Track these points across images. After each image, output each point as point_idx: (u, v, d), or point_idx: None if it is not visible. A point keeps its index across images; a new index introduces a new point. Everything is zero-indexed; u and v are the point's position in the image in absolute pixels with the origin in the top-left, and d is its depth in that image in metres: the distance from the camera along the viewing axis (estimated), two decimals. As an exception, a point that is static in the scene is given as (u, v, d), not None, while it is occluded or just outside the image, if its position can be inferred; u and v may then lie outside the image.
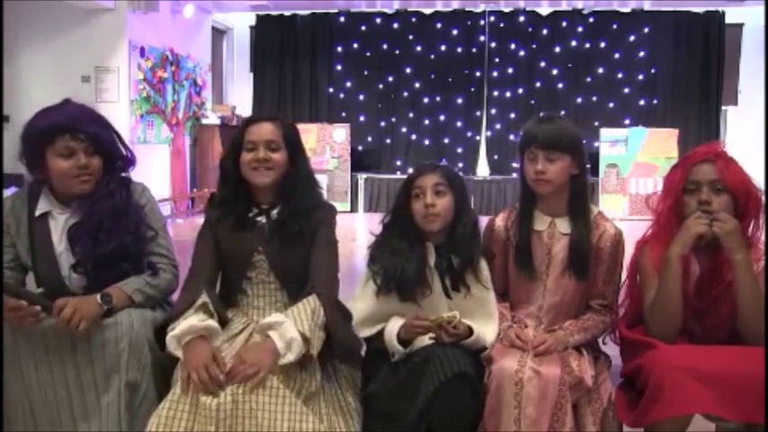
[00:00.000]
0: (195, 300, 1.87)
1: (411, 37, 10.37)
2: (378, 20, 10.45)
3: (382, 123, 10.51)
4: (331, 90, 10.61)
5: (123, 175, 2.06)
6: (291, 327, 1.77)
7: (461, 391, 1.77)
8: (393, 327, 1.93)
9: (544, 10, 10.17)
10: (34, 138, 1.92)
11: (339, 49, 10.55)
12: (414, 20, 10.36)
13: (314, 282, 1.94)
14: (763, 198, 1.89)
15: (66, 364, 1.81)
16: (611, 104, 10.12)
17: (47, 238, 1.98)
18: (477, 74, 10.32)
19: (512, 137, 9.97)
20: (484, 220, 2.13)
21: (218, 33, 10.67)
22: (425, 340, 1.88)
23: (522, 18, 10.19)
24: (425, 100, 10.41)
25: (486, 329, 1.96)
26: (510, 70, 10.27)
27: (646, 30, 10.04)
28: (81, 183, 1.95)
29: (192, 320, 1.80)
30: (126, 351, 1.80)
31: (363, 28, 10.47)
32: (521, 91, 10.28)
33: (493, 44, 10.30)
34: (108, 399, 1.80)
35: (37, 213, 1.99)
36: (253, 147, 1.99)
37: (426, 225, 1.99)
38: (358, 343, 1.98)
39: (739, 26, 9.95)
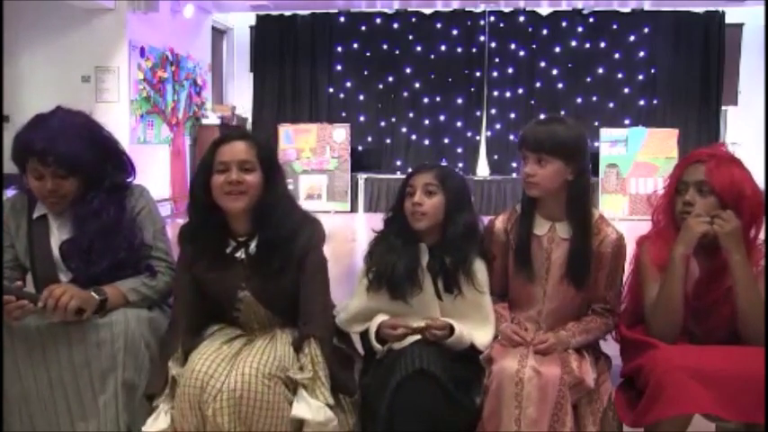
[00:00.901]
0: (169, 361, 1.82)
1: (411, 37, 10.36)
2: (378, 20, 10.44)
3: (382, 123, 10.50)
4: (331, 90, 10.60)
5: (119, 182, 2.02)
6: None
7: (421, 388, 1.76)
8: (373, 325, 1.95)
9: (544, 10, 10.17)
10: (13, 154, 1.92)
11: (339, 49, 10.53)
12: (414, 20, 10.35)
13: (306, 318, 1.86)
14: (763, 199, 1.89)
15: (62, 365, 1.81)
16: (611, 104, 10.12)
17: (45, 240, 1.98)
18: (477, 74, 10.31)
19: (512, 137, 9.97)
20: (484, 221, 2.13)
21: (218, 33, 10.67)
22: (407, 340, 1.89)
23: (522, 18, 10.18)
24: (425, 100, 10.40)
25: (481, 332, 1.95)
26: (510, 70, 10.26)
27: (646, 30, 10.03)
28: (51, 204, 1.95)
29: (159, 424, 1.77)
30: (122, 350, 1.80)
31: (363, 28, 10.45)
32: (521, 91, 10.27)
33: (493, 44, 10.29)
34: (105, 398, 1.79)
35: (35, 216, 2.00)
36: (224, 168, 1.84)
37: (413, 223, 1.99)
38: (353, 384, 1.93)
39: (739, 26, 9.95)
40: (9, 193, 2.14)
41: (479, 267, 2.01)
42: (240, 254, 1.92)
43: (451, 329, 1.90)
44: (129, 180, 2.06)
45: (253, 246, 1.90)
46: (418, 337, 1.88)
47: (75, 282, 1.92)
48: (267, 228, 1.88)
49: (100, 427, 1.80)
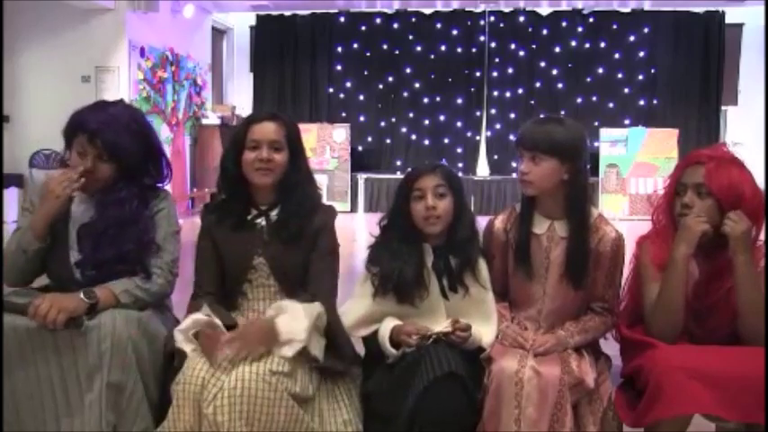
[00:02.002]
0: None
1: (411, 37, 10.37)
2: (378, 20, 10.44)
3: (382, 123, 10.50)
4: (331, 90, 10.61)
5: (151, 183, 2.12)
6: (301, 325, 1.79)
7: (451, 391, 1.76)
8: (385, 329, 1.94)
9: (544, 10, 10.17)
10: (66, 128, 2.03)
11: (339, 49, 10.54)
12: (414, 20, 10.36)
13: (315, 290, 1.95)
14: (764, 200, 1.89)
15: (50, 364, 1.83)
16: (611, 104, 10.12)
17: (64, 224, 2.02)
18: (477, 74, 10.31)
19: (512, 137, 9.95)
20: (484, 220, 2.13)
21: (218, 33, 10.67)
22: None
23: (522, 18, 10.19)
24: (425, 100, 10.41)
25: (484, 330, 1.95)
26: (510, 70, 10.27)
27: (646, 30, 10.04)
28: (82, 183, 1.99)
29: (196, 315, 1.85)
30: (108, 352, 1.81)
31: (363, 28, 10.47)
32: (521, 91, 10.28)
33: (493, 44, 10.30)
34: (91, 398, 1.81)
35: None
36: (256, 145, 1.98)
37: (427, 227, 1.99)
38: (353, 352, 1.99)
39: (739, 26, 9.96)
40: (9, 192, 2.16)
41: (482, 265, 2.02)
42: (261, 221, 2.03)
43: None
44: (160, 184, 2.18)
45: (274, 214, 2.02)
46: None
47: (80, 264, 1.97)
48: (290, 201, 2.01)
49: (84, 425, 1.81)
